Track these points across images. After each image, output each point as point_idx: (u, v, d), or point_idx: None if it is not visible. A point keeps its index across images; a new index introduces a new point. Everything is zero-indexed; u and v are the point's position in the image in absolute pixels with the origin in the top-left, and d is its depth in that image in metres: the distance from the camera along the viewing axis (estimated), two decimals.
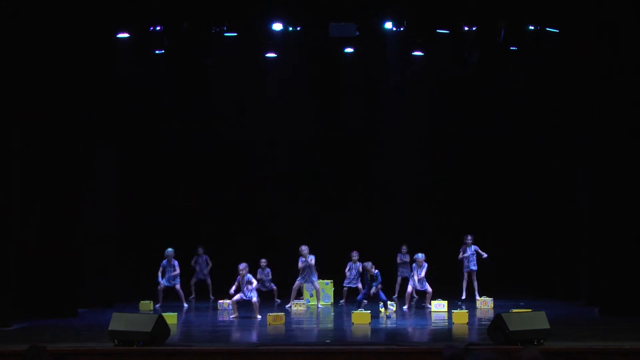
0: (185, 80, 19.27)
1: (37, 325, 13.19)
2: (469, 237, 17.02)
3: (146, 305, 15.79)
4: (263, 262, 16.32)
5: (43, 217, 14.30)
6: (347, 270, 16.44)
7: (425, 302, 15.62)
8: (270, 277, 16.38)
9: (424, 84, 19.48)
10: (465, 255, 16.87)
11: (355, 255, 16.42)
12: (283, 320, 13.57)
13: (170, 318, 12.74)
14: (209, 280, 17.97)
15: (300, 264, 15.88)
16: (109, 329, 10.62)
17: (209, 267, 17.98)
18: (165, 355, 10.21)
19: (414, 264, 15.71)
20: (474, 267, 16.87)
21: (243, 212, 20.55)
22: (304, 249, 15.92)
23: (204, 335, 12.34)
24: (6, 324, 12.85)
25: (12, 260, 13.50)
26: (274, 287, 16.44)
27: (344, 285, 16.51)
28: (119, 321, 10.63)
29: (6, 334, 12.11)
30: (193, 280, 17.98)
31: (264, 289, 16.07)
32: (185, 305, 16.44)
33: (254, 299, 14.45)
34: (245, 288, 14.42)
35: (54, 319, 13.84)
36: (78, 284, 14.97)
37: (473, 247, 16.93)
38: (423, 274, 15.45)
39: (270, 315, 13.59)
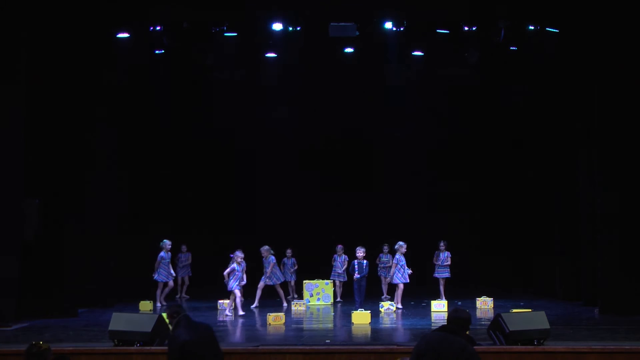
0: (185, 80, 19.27)
1: (37, 325, 13.18)
2: (442, 243, 16.91)
3: (146, 305, 15.78)
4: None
5: (43, 217, 14.28)
6: (333, 262, 16.90)
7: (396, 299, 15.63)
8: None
9: (424, 83, 19.48)
10: (438, 261, 16.79)
11: (340, 248, 16.75)
12: (283, 320, 13.57)
13: None
14: (184, 279, 17.96)
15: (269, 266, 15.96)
16: (109, 329, 10.63)
17: (188, 266, 18.05)
18: (165, 355, 10.19)
19: (396, 255, 15.55)
20: (446, 275, 16.66)
21: (241, 211, 20.56)
22: (265, 249, 15.97)
23: None
24: (6, 324, 12.85)
25: (12, 260, 13.48)
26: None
27: (331, 278, 16.86)
28: (119, 321, 10.64)
29: (6, 334, 12.11)
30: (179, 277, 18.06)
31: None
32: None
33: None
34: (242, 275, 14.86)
35: (54, 319, 13.84)
36: (78, 284, 14.96)
37: (446, 254, 16.77)
38: (404, 262, 15.39)
39: (270, 315, 13.59)
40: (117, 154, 17.04)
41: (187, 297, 17.98)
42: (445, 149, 20.55)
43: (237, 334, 12.99)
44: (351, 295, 15.51)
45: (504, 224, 19.97)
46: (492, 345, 10.32)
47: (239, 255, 14.81)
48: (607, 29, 14.34)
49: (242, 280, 14.92)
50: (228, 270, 14.73)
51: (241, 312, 14.67)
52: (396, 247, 15.55)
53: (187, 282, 18.14)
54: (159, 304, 16.19)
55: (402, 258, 15.43)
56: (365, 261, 15.28)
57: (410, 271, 15.47)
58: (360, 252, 15.27)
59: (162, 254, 16.29)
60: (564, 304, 16.00)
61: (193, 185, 20.65)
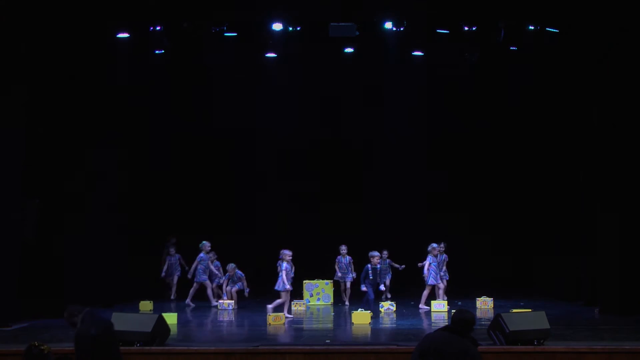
0: (185, 80, 19.26)
1: (37, 325, 13.18)
2: (442, 245, 16.80)
3: (146, 305, 15.78)
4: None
5: (43, 217, 14.28)
6: (336, 264, 16.62)
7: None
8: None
9: (424, 83, 19.48)
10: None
11: (343, 249, 16.59)
12: (283, 320, 13.57)
13: (170, 318, 12.74)
14: (174, 281, 17.76)
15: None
16: None
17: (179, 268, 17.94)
18: (165, 355, 10.22)
19: (429, 256, 15.47)
20: (445, 277, 16.53)
21: (240, 212, 20.55)
22: (231, 266, 16.04)
23: (204, 335, 12.34)
24: (6, 324, 12.84)
25: (12, 260, 13.49)
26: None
27: (338, 279, 16.61)
28: (119, 321, 10.60)
29: (6, 334, 12.11)
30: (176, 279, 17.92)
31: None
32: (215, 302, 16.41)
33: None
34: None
35: (54, 319, 13.81)
36: (78, 284, 14.96)
37: (444, 256, 16.58)
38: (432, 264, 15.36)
39: (270, 315, 13.59)
40: (117, 154, 17.03)
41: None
42: (446, 149, 20.54)
43: (237, 334, 12.99)
44: (357, 297, 15.42)
45: (504, 223, 19.96)
46: (492, 345, 10.32)
47: (287, 253, 14.43)
48: (608, 29, 14.34)
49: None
50: (284, 273, 14.19)
51: (288, 315, 14.36)
52: (429, 248, 15.50)
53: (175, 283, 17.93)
54: (214, 302, 16.25)
55: (435, 259, 15.46)
56: (379, 265, 15.14)
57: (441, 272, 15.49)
58: (375, 258, 15.19)
59: (201, 255, 16.35)
60: (564, 304, 15.99)
61: (192, 185, 20.64)
